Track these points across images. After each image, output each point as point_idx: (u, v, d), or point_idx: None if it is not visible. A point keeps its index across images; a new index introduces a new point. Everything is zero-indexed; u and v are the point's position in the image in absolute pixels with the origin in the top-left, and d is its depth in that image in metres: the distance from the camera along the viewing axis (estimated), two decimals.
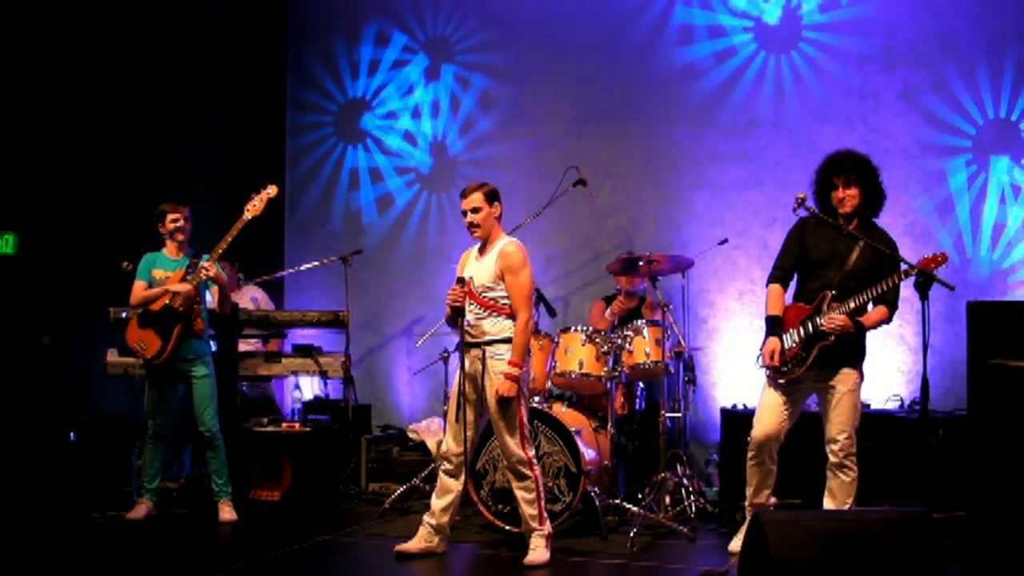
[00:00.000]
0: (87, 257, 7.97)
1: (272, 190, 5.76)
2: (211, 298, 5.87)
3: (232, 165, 7.78)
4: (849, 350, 4.45)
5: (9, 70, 7.78)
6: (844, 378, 4.44)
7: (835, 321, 4.35)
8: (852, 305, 4.35)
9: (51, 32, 7.97)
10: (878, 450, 5.06)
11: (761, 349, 4.61)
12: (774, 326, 4.56)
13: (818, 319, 4.41)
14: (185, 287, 5.53)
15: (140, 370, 5.94)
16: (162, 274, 5.71)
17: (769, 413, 4.55)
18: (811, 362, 4.42)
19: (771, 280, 4.68)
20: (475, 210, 4.72)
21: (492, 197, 4.77)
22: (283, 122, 7.96)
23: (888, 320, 4.47)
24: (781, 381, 4.52)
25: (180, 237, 5.76)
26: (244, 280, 7.05)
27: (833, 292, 4.42)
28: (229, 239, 5.62)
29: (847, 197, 4.46)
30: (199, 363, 5.68)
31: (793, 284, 4.71)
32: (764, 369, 4.59)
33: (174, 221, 5.72)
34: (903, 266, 4.33)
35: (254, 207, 5.68)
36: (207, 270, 5.54)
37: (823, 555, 3.39)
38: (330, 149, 7.92)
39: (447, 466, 4.77)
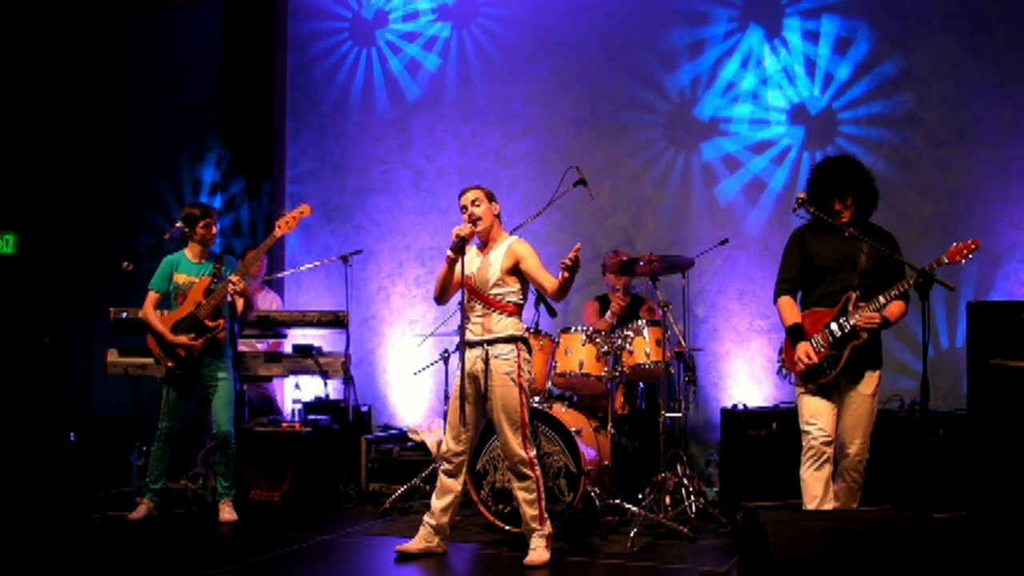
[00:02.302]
0: (87, 257, 7.97)
1: (306, 209, 5.74)
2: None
3: (233, 165, 7.78)
4: (872, 352, 4.39)
5: (9, 71, 7.78)
6: (867, 382, 4.38)
7: (872, 319, 4.27)
8: (882, 301, 4.27)
9: (51, 33, 7.97)
10: (878, 450, 5.05)
11: (781, 356, 4.54)
12: (799, 334, 4.44)
13: (847, 320, 4.32)
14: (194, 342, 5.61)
15: (159, 368, 5.93)
16: (185, 279, 5.71)
17: (826, 417, 4.38)
18: (844, 362, 4.33)
19: (780, 294, 4.56)
20: (475, 202, 4.75)
21: (491, 196, 4.84)
22: (283, 122, 7.96)
23: (905, 312, 4.43)
24: (813, 386, 4.40)
25: (210, 243, 5.79)
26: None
27: (858, 293, 4.36)
28: (259, 253, 5.82)
29: (844, 211, 4.41)
30: (219, 368, 5.71)
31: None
32: (794, 378, 4.47)
33: (206, 227, 5.73)
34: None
35: (286, 224, 5.68)
36: (235, 285, 5.55)
37: (823, 555, 3.40)
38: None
39: (447, 466, 4.77)
